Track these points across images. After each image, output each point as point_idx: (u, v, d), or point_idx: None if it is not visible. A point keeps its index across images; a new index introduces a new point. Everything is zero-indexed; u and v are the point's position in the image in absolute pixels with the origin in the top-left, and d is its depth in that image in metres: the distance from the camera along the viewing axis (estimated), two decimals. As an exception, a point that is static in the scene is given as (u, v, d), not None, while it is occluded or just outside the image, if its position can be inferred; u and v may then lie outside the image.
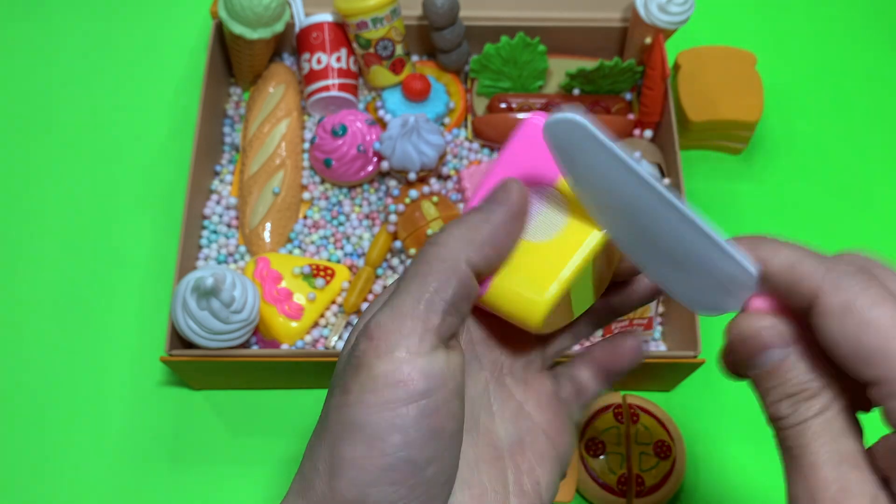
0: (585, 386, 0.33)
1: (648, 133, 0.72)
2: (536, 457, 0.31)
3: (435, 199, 0.67)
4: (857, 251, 0.26)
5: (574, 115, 0.25)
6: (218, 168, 0.73)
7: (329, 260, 0.68)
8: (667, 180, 0.68)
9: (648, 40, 0.70)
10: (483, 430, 0.30)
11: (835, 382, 0.25)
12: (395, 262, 0.68)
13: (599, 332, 0.64)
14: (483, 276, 0.27)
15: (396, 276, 0.67)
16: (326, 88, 0.72)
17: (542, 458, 0.31)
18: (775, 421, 0.26)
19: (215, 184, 0.72)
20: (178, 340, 0.60)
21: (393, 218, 0.67)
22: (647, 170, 0.25)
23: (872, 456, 0.24)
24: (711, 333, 0.67)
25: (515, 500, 0.29)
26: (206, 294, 0.54)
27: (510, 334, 0.32)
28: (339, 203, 0.71)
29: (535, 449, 0.31)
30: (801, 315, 0.25)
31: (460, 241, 0.27)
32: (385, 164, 0.68)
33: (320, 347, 0.64)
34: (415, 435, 0.25)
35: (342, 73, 0.72)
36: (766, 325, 0.26)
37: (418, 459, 0.25)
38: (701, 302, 0.27)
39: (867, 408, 0.26)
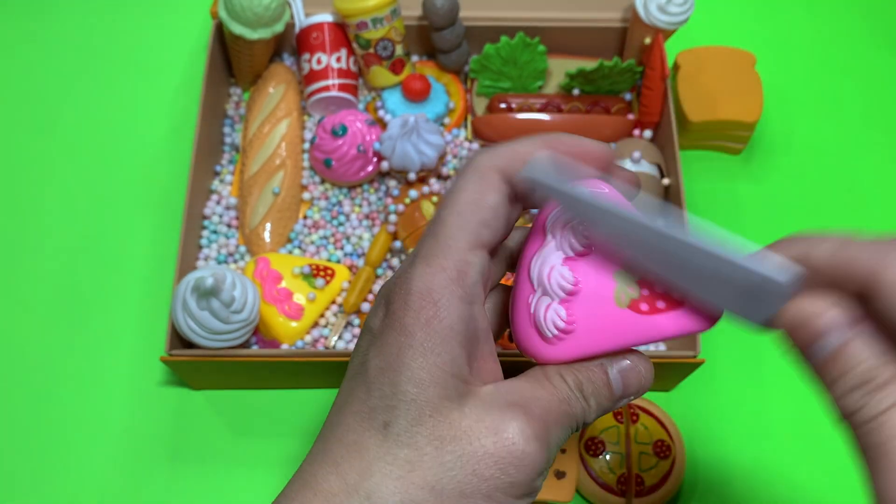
0: None
1: (648, 133, 0.72)
2: None
3: (435, 199, 0.67)
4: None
5: (537, 176, 0.24)
6: (218, 168, 0.73)
7: (329, 260, 0.68)
8: (667, 181, 0.68)
9: (648, 40, 0.70)
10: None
11: None
12: (395, 262, 0.68)
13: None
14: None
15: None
16: (326, 88, 0.72)
17: None
18: (846, 417, 0.23)
19: (215, 184, 0.72)
20: (178, 340, 0.60)
21: (393, 218, 0.67)
22: (635, 204, 0.25)
23: None
24: (711, 333, 0.67)
25: None
26: (206, 294, 0.54)
27: None
28: (339, 203, 0.71)
29: None
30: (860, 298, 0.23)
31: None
32: (385, 164, 0.68)
33: (320, 347, 0.64)
34: None
35: (342, 73, 0.72)
36: (819, 309, 0.23)
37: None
38: (751, 315, 0.26)
39: None
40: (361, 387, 0.27)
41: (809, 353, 0.24)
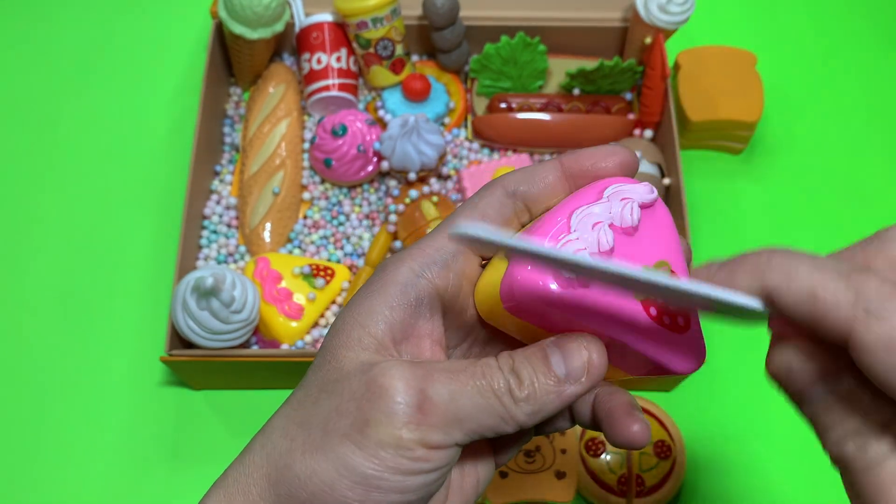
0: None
1: (648, 133, 0.72)
2: (478, 455, 0.31)
3: (435, 199, 0.67)
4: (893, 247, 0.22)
5: (467, 231, 0.22)
6: (218, 168, 0.73)
7: (329, 260, 0.68)
8: (667, 180, 0.68)
9: (648, 40, 0.70)
10: None
11: None
12: (395, 262, 0.68)
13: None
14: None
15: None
16: (326, 88, 0.72)
17: (483, 459, 0.31)
18: (841, 464, 0.22)
19: (215, 184, 0.72)
20: (178, 340, 0.60)
21: (393, 218, 0.67)
22: (578, 251, 0.25)
23: None
24: (711, 334, 0.67)
25: (455, 497, 0.30)
26: (206, 294, 0.54)
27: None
28: (339, 203, 0.71)
29: (478, 449, 0.31)
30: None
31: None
32: (385, 164, 0.68)
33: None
34: (412, 497, 0.26)
35: (342, 73, 0.72)
36: (794, 364, 0.23)
37: None
38: (741, 323, 0.25)
39: None
40: None
41: (798, 403, 0.24)
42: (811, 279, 0.21)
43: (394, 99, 0.73)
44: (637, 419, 0.27)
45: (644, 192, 0.28)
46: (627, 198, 0.28)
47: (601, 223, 0.27)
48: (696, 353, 0.28)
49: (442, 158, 0.69)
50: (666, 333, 0.28)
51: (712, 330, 0.67)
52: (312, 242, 0.69)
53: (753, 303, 0.23)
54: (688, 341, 0.28)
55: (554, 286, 0.26)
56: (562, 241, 0.27)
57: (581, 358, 0.27)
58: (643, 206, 0.28)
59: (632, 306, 0.27)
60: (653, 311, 0.27)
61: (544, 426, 0.31)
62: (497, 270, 0.28)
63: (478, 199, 0.30)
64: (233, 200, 0.71)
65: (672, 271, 0.28)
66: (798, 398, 0.23)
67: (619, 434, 0.28)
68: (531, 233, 0.28)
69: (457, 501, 0.30)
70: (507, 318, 0.29)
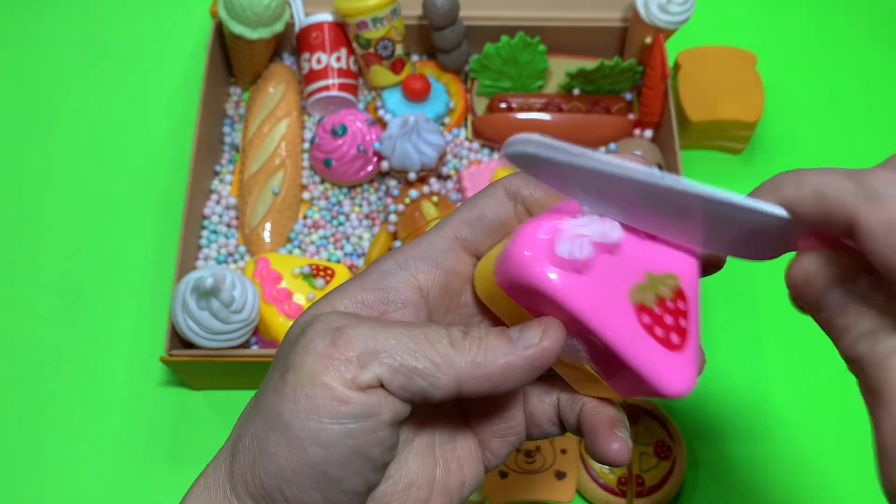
0: (539, 420, 0.31)
1: (648, 133, 0.72)
2: (466, 457, 0.30)
3: (435, 199, 0.67)
4: None
5: (525, 148, 0.22)
6: (218, 168, 0.73)
7: (329, 260, 0.68)
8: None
9: (648, 40, 0.70)
10: (423, 426, 0.30)
11: None
12: (395, 262, 0.68)
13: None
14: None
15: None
16: (326, 88, 0.72)
17: (471, 460, 0.30)
18: (853, 362, 0.24)
19: (215, 184, 0.72)
20: (178, 340, 0.60)
21: (393, 218, 0.67)
22: (624, 161, 0.23)
23: None
24: (711, 333, 0.67)
25: (439, 497, 0.29)
26: (206, 294, 0.54)
27: None
28: (339, 203, 0.71)
29: (466, 451, 0.30)
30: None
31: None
32: (385, 164, 0.68)
33: (320, 347, 0.64)
34: (336, 452, 0.24)
35: (342, 72, 0.72)
36: (814, 269, 0.24)
37: (335, 475, 0.25)
38: (758, 255, 0.26)
39: None
40: None
41: (814, 310, 0.24)
42: (817, 180, 0.23)
43: (394, 99, 0.73)
44: (617, 438, 0.27)
45: None
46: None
47: (607, 217, 0.26)
48: (685, 376, 0.27)
49: (442, 158, 0.69)
50: (656, 346, 0.26)
51: (713, 330, 0.67)
52: (312, 242, 0.69)
53: (777, 210, 0.24)
54: (679, 362, 0.27)
55: (549, 269, 0.25)
56: (568, 223, 0.26)
57: (538, 328, 0.26)
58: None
59: (624, 308, 0.26)
60: (646, 318, 0.26)
61: (533, 430, 0.31)
62: (501, 246, 0.28)
63: (478, 198, 0.29)
64: (233, 200, 0.71)
65: (680, 289, 0.27)
66: (815, 304, 0.24)
67: (599, 450, 0.27)
68: (534, 221, 0.27)
69: (441, 500, 0.29)
70: (500, 297, 0.28)
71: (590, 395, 0.30)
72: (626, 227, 0.27)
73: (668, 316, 0.27)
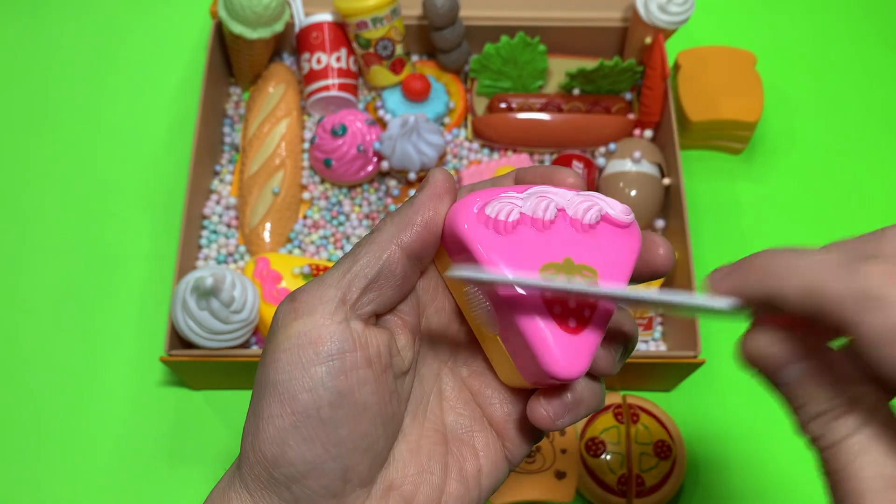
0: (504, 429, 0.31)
1: (648, 133, 0.72)
2: (482, 447, 0.30)
3: (435, 199, 0.67)
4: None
5: (463, 273, 0.26)
6: (218, 168, 0.73)
7: (329, 260, 0.68)
8: (667, 180, 0.68)
9: (648, 40, 0.70)
10: (431, 414, 0.30)
11: (873, 391, 0.22)
12: (395, 262, 0.68)
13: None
14: (421, 255, 0.28)
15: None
16: (326, 88, 0.72)
17: (488, 450, 0.30)
18: (810, 443, 0.23)
19: (215, 184, 0.72)
20: (178, 340, 0.60)
21: (393, 218, 0.67)
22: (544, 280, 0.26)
23: None
24: (711, 333, 0.67)
25: (454, 483, 0.29)
26: (205, 294, 0.54)
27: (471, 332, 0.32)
28: (339, 203, 0.71)
29: (482, 441, 0.31)
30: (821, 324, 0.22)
31: (391, 227, 0.28)
32: (385, 164, 0.68)
33: (320, 347, 0.64)
34: (323, 394, 0.26)
35: (342, 72, 0.72)
36: (769, 347, 0.24)
37: (327, 418, 0.26)
38: (713, 317, 0.26)
39: None
40: None
41: (771, 382, 0.24)
42: (809, 276, 0.21)
43: (394, 99, 0.73)
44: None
45: (620, 210, 0.28)
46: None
47: (549, 199, 0.28)
48: (572, 360, 0.26)
49: (442, 158, 0.69)
50: (550, 322, 0.26)
51: (712, 329, 0.67)
52: (312, 242, 0.69)
53: (725, 302, 0.24)
54: (570, 345, 0.26)
55: (470, 220, 0.27)
56: (508, 194, 0.28)
57: (434, 172, 0.29)
58: (617, 225, 0.28)
59: (531, 276, 0.27)
60: (548, 293, 0.27)
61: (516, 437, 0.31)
62: None
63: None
64: (233, 200, 0.71)
65: (596, 284, 0.28)
66: (770, 378, 0.24)
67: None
68: (485, 191, 0.29)
69: (456, 487, 0.29)
70: (448, 264, 0.29)
71: (512, 385, 0.31)
72: (576, 227, 0.28)
73: (571, 300, 0.27)
